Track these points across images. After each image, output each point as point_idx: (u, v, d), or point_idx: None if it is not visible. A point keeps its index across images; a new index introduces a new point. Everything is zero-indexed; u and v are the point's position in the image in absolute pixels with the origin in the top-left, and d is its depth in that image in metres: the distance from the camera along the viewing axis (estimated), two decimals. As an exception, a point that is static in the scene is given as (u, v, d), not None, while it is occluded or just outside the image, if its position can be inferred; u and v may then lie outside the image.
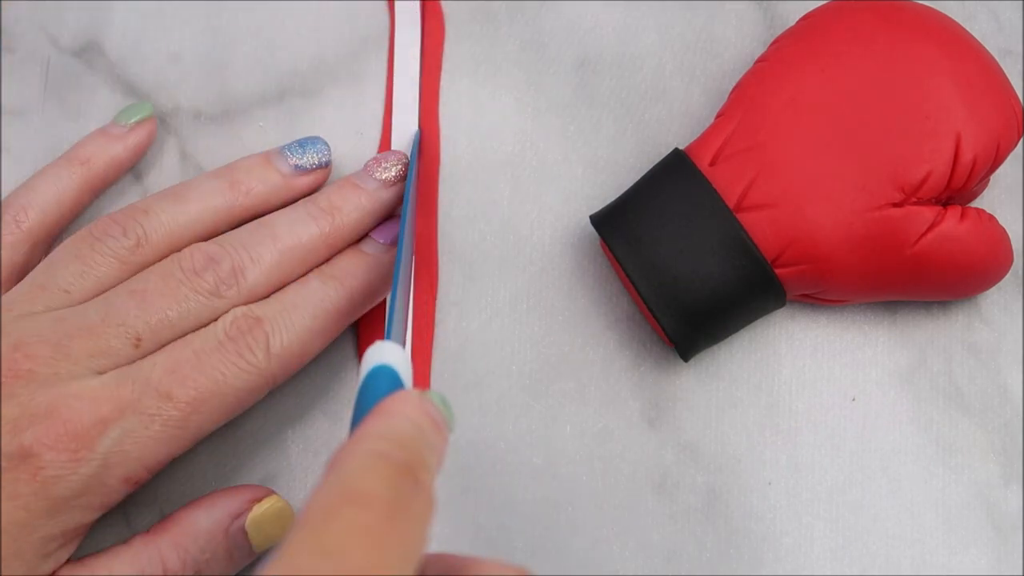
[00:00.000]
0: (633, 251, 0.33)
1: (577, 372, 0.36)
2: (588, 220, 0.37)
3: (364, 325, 0.36)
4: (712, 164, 0.33)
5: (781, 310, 0.36)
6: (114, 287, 0.32)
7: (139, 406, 0.29)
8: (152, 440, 0.30)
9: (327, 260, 0.34)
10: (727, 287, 0.32)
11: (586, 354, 0.36)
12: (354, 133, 0.38)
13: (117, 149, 0.36)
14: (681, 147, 0.34)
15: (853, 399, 0.35)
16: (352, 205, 0.34)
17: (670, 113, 0.38)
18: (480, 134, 0.38)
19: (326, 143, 0.36)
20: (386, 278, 0.34)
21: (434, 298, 0.36)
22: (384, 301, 0.35)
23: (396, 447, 0.24)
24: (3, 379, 0.29)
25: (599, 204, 0.37)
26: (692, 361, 0.35)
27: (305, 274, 0.33)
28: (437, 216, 0.37)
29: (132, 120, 0.37)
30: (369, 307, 0.34)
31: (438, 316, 0.36)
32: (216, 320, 0.31)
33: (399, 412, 0.25)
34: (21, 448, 0.29)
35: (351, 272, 0.33)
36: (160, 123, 0.38)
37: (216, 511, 0.32)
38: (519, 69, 0.39)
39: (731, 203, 0.32)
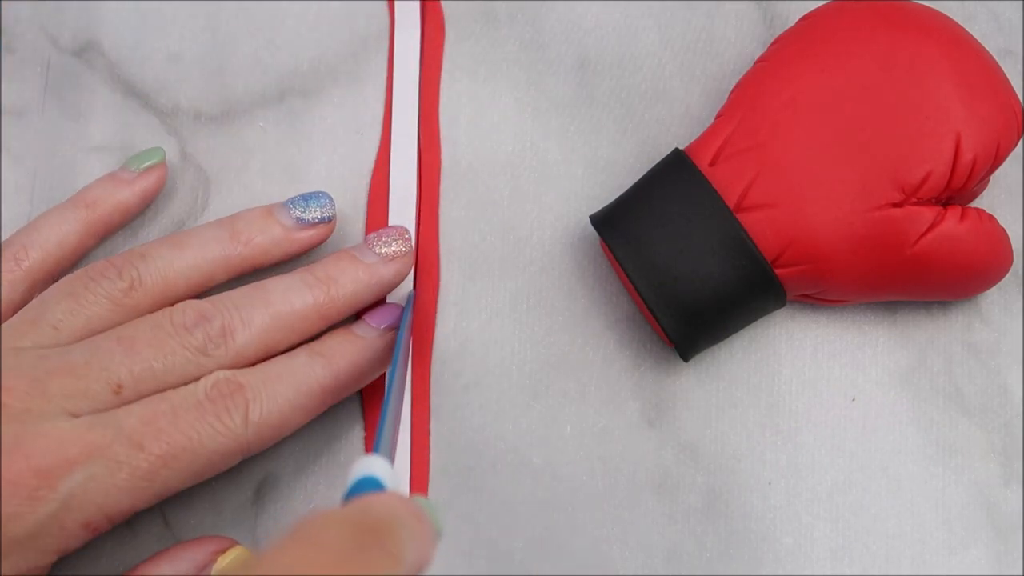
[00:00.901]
0: (633, 251, 0.33)
1: (577, 372, 0.36)
2: (588, 220, 0.37)
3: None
4: (712, 164, 0.33)
5: (781, 310, 0.36)
6: (104, 329, 0.31)
7: (108, 452, 0.29)
8: (116, 488, 0.29)
9: (319, 331, 0.33)
10: (727, 287, 0.32)
11: (586, 354, 0.36)
12: (354, 133, 0.38)
13: (124, 194, 0.36)
14: (681, 147, 0.34)
15: (853, 399, 0.35)
16: (349, 277, 0.34)
17: (670, 113, 0.38)
18: (480, 134, 0.38)
19: (331, 198, 0.35)
20: (375, 363, 0.34)
21: (434, 298, 0.36)
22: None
23: (364, 515, 0.24)
24: None
25: (599, 204, 0.37)
26: (692, 361, 0.35)
27: (296, 345, 0.33)
28: (438, 216, 0.37)
29: (142, 166, 0.36)
30: (354, 390, 0.34)
31: (438, 316, 0.36)
32: (198, 380, 0.31)
33: (377, 499, 0.25)
34: None
35: (340, 352, 0.33)
36: (160, 123, 0.38)
37: (181, 563, 0.31)
38: (519, 69, 0.39)
39: (731, 203, 0.32)
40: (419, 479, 0.35)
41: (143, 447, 0.29)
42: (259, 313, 0.32)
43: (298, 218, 0.35)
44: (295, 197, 0.35)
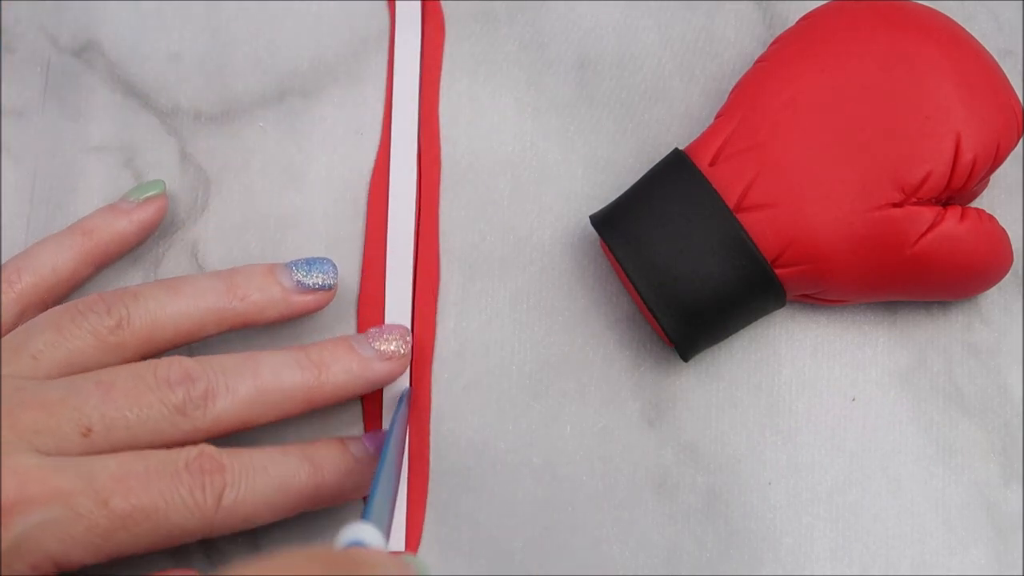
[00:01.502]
0: (633, 251, 0.33)
1: (577, 372, 0.36)
2: (588, 220, 0.37)
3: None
4: (712, 164, 0.33)
5: (781, 310, 0.36)
6: (86, 366, 0.31)
7: (71, 500, 0.28)
8: (71, 539, 0.28)
9: (301, 413, 0.33)
10: (727, 287, 0.32)
11: (586, 354, 0.36)
12: (354, 133, 0.38)
13: (122, 224, 0.36)
14: (681, 147, 0.34)
15: (853, 399, 0.35)
16: (342, 366, 0.33)
17: (670, 113, 0.38)
18: (480, 134, 0.38)
19: (334, 266, 0.35)
20: (359, 485, 0.33)
21: (434, 298, 0.36)
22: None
23: (341, 554, 0.24)
24: None
25: (599, 204, 0.37)
26: (692, 361, 0.35)
27: (275, 422, 0.32)
28: (438, 216, 0.37)
29: (142, 196, 0.36)
30: (331, 504, 0.33)
31: (438, 316, 0.36)
32: (182, 448, 0.30)
33: (361, 549, 0.25)
34: None
35: (329, 465, 0.32)
36: (160, 123, 0.38)
37: None
38: (519, 69, 0.39)
39: (731, 203, 0.32)
40: (419, 479, 0.35)
41: (107, 504, 0.28)
42: (246, 383, 0.31)
43: (299, 281, 0.34)
44: (299, 260, 0.35)
